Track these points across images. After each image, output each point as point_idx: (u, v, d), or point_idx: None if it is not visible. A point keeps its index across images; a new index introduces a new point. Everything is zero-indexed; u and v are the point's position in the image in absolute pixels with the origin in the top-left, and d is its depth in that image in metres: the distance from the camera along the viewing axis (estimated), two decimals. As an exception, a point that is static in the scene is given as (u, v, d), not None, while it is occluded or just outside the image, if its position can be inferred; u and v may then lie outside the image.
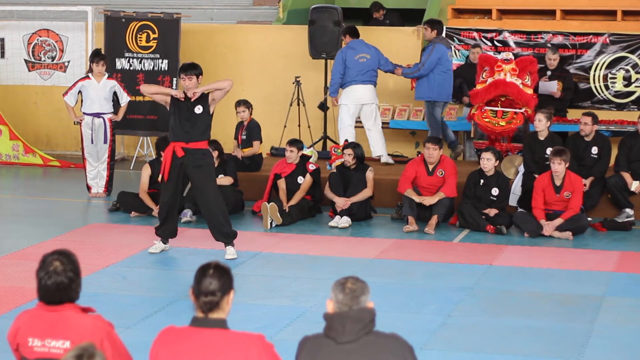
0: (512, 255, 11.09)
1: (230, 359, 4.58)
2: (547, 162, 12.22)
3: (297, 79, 15.71)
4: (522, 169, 13.12)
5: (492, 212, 12.23)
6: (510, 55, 13.83)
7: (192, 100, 10.26)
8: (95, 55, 14.11)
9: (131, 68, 16.46)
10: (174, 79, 16.32)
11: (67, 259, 4.87)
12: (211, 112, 10.45)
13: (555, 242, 11.74)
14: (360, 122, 14.58)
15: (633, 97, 15.39)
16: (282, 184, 12.92)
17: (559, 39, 15.54)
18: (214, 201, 10.38)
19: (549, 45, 15.42)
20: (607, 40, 15.41)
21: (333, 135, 15.76)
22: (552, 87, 14.63)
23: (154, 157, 13.26)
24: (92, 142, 14.02)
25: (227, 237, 10.57)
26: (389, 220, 12.77)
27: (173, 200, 10.46)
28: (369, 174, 12.84)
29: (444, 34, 14.83)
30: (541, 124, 12.82)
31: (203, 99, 10.31)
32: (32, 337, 4.87)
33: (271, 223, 12.27)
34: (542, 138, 12.90)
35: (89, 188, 14.18)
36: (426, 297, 9.37)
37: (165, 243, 10.80)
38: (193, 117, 10.25)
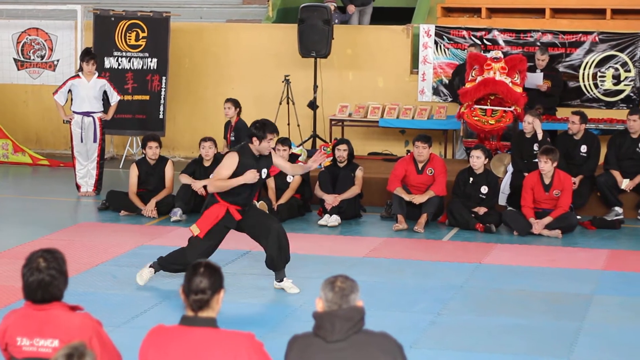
0: (501, 253, 11.10)
1: (220, 357, 4.58)
2: (536, 160, 12.24)
3: (287, 78, 15.69)
4: (511, 168, 13.13)
5: (481, 210, 12.24)
6: (500, 54, 13.85)
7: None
8: (86, 54, 14.07)
9: (120, 67, 16.43)
10: (163, 78, 16.29)
11: (52, 256, 4.85)
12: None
13: (544, 240, 11.75)
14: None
15: (622, 96, 15.41)
16: (271, 182, 12.90)
17: (548, 38, 15.55)
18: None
19: (538, 43, 15.43)
20: (597, 38, 15.42)
21: (322, 134, 15.76)
22: (539, 79, 14.63)
23: (142, 157, 13.24)
24: (82, 141, 13.98)
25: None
26: (378, 219, 12.77)
27: None
28: (359, 173, 12.83)
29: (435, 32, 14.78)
30: (530, 127, 12.83)
31: None
32: (20, 337, 4.86)
33: (261, 222, 12.25)
34: (529, 137, 12.91)
35: (78, 187, 14.15)
36: (416, 295, 9.37)
37: None
38: None
